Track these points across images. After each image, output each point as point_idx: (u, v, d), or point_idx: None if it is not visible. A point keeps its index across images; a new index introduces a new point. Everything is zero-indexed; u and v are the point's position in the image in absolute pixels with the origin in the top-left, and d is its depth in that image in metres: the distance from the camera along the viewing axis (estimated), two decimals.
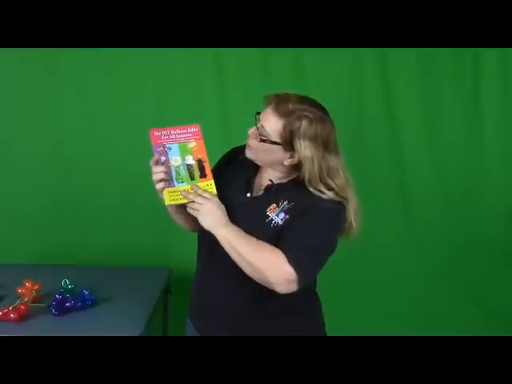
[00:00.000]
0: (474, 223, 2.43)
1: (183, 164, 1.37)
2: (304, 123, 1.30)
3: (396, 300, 2.45)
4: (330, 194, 1.33)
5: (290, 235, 1.32)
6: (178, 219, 1.52)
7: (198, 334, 1.51)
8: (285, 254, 1.29)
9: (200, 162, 1.37)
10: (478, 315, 2.46)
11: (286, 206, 1.36)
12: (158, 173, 1.35)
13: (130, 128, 2.31)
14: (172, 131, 1.37)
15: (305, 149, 1.30)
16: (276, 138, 1.33)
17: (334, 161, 1.33)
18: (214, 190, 1.36)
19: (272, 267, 1.29)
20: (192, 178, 1.37)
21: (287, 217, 1.35)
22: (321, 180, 1.33)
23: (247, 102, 2.25)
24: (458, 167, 2.40)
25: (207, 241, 1.43)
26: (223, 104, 2.35)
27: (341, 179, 1.34)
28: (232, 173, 1.48)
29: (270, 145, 1.33)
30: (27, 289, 1.84)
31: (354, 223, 1.36)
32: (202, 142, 1.38)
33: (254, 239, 1.31)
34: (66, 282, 1.89)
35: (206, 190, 1.35)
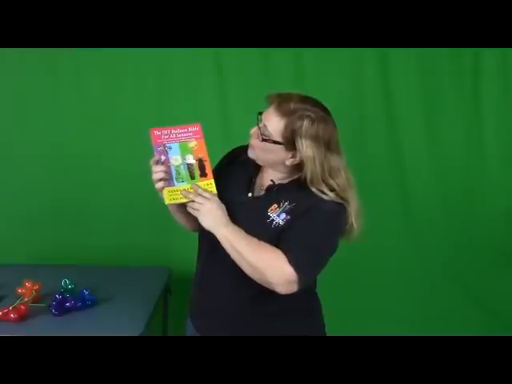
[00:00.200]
0: (474, 223, 2.43)
1: (183, 163, 1.37)
2: (306, 123, 1.30)
3: (396, 300, 2.45)
4: (331, 195, 1.33)
5: (291, 235, 1.32)
6: (179, 218, 1.52)
7: (198, 334, 1.51)
8: (285, 254, 1.29)
9: (200, 162, 1.37)
10: (477, 315, 2.46)
11: (288, 207, 1.36)
12: (157, 172, 1.35)
13: (129, 128, 2.31)
14: (173, 130, 1.37)
15: (306, 148, 1.30)
16: (278, 138, 1.33)
17: (335, 161, 1.33)
18: (215, 190, 1.36)
19: (272, 267, 1.28)
20: (192, 177, 1.37)
21: (288, 217, 1.35)
22: (323, 180, 1.32)
23: (247, 101, 2.27)
24: (458, 167, 2.40)
25: (207, 240, 1.43)
26: (223, 104, 2.35)
27: (342, 179, 1.34)
28: (233, 173, 1.48)
29: (272, 144, 1.33)
30: (27, 289, 1.84)
31: (355, 225, 1.36)
32: (202, 141, 1.37)
33: (254, 239, 1.31)
34: (65, 282, 1.89)
35: (206, 190, 1.35)
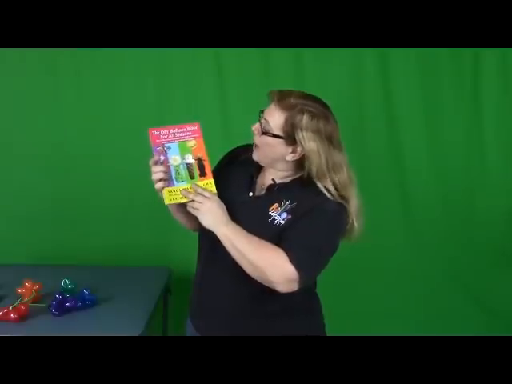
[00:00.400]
0: (474, 223, 2.43)
1: (183, 163, 1.37)
2: (306, 117, 1.30)
3: (396, 300, 2.45)
4: (333, 192, 1.33)
5: (292, 235, 1.32)
6: (179, 218, 1.52)
7: (197, 334, 1.51)
8: (286, 253, 1.28)
9: (200, 161, 1.37)
10: (477, 315, 2.46)
11: (289, 206, 1.36)
12: (157, 172, 1.35)
13: (129, 128, 2.31)
14: (171, 130, 1.37)
15: (309, 141, 1.30)
16: (278, 132, 1.33)
17: (337, 156, 1.34)
18: (214, 189, 1.36)
19: (273, 266, 1.28)
20: (192, 176, 1.37)
21: (289, 217, 1.35)
22: (329, 174, 1.32)
23: (247, 101, 2.27)
24: (458, 167, 2.40)
25: (207, 240, 1.43)
26: (223, 104, 2.35)
27: (344, 176, 1.34)
28: (233, 172, 1.48)
29: (272, 138, 1.34)
30: (27, 289, 1.84)
31: (355, 224, 1.36)
32: (201, 140, 1.37)
33: (255, 238, 1.31)
34: (65, 282, 1.89)
35: (205, 189, 1.35)
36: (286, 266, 1.27)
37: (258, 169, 1.46)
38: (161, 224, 2.31)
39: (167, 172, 1.36)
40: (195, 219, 1.37)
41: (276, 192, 1.39)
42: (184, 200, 1.35)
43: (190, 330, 1.55)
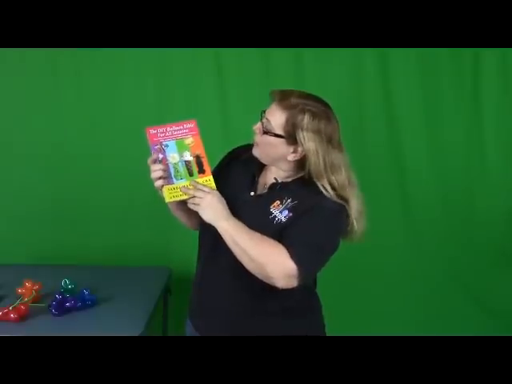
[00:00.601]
0: (474, 223, 2.43)
1: (181, 160, 1.37)
2: (307, 116, 1.31)
3: (396, 300, 2.45)
4: (331, 192, 1.33)
5: (293, 232, 1.32)
6: (180, 216, 1.52)
7: (197, 334, 1.51)
8: (287, 249, 1.29)
9: (198, 158, 1.37)
10: (477, 315, 2.46)
11: (290, 204, 1.36)
12: (156, 171, 1.35)
13: (129, 128, 2.31)
14: (168, 128, 1.37)
15: (308, 141, 1.31)
16: (279, 132, 1.33)
17: (337, 157, 1.34)
18: (214, 185, 1.36)
19: (274, 262, 1.28)
20: (190, 174, 1.37)
21: (291, 214, 1.35)
22: (326, 174, 1.33)
23: (247, 101, 2.27)
24: (458, 167, 2.40)
25: (208, 239, 1.43)
26: (223, 104, 2.35)
27: (342, 177, 1.34)
28: (235, 172, 1.48)
29: (274, 138, 1.34)
30: (27, 289, 1.84)
31: (356, 225, 1.36)
32: (198, 137, 1.38)
33: (256, 234, 1.31)
34: (66, 282, 1.89)
35: (205, 185, 1.35)
36: (286, 262, 1.27)
37: (260, 168, 1.46)
38: (161, 224, 2.31)
39: (166, 170, 1.36)
40: (196, 217, 1.37)
41: (278, 190, 1.39)
42: (184, 197, 1.35)
43: (189, 330, 1.55)
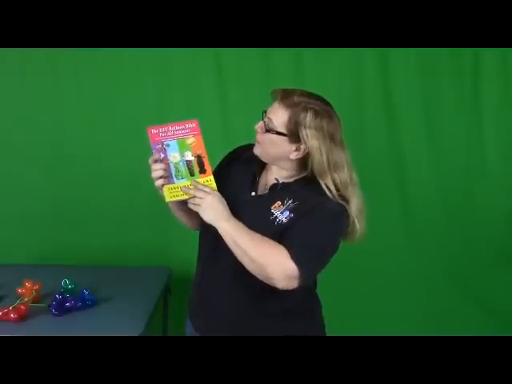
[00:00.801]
0: (474, 223, 2.43)
1: (182, 160, 1.37)
2: (309, 114, 1.31)
3: (396, 300, 2.45)
4: (334, 192, 1.33)
5: (294, 233, 1.32)
6: (180, 216, 1.52)
7: (197, 334, 1.51)
8: (288, 250, 1.29)
9: (199, 158, 1.37)
10: (477, 315, 2.46)
11: (291, 205, 1.36)
12: (156, 170, 1.36)
13: (130, 128, 2.31)
14: (170, 128, 1.37)
15: (311, 138, 1.31)
16: (282, 130, 1.33)
17: (339, 155, 1.34)
18: (214, 186, 1.36)
19: (274, 263, 1.28)
20: (191, 173, 1.37)
21: (292, 215, 1.35)
22: (329, 172, 1.33)
23: (247, 102, 2.27)
24: (458, 167, 2.40)
25: (208, 239, 1.43)
26: (223, 104, 2.35)
27: (344, 175, 1.34)
28: (236, 172, 1.48)
29: (276, 136, 1.34)
30: (27, 289, 1.84)
31: (357, 224, 1.36)
32: (200, 137, 1.37)
33: (257, 235, 1.31)
34: (66, 282, 1.89)
35: (206, 185, 1.35)
36: (287, 263, 1.27)
37: (261, 168, 1.46)
38: (161, 224, 2.31)
39: (167, 170, 1.36)
40: (196, 217, 1.37)
41: (279, 191, 1.39)
42: (185, 197, 1.35)
43: (189, 330, 1.55)
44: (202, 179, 1.36)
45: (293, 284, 1.29)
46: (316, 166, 1.33)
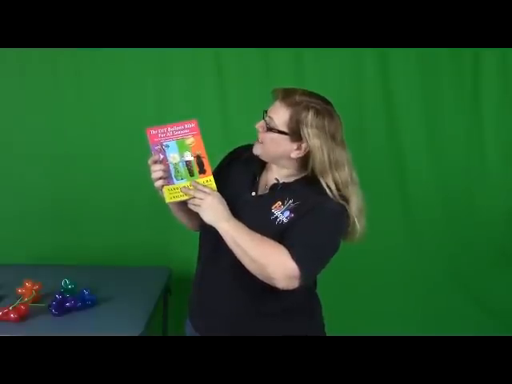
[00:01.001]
0: (474, 223, 2.43)
1: (181, 161, 1.37)
2: (311, 113, 1.31)
3: (396, 300, 2.45)
4: (335, 192, 1.33)
5: (295, 233, 1.32)
6: (180, 217, 1.52)
7: (197, 334, 1.51)
8: (288, 250, 1.29)
9: (199, 158, 1.37)
10: (477, 315, 2.46)
11: (292, 205, 1.36)
12: (156, 171, 1.35)
13: (129, 128, 2.31)
14: (169, 128, 1.37)
15: (313, 137, 1.31)
16: (283, 128, 1.34)
17: (340, 155, 1.34)
18: (214, 186, 1.36)
19: (275, 262, 1.28)
20: (191, 174, 1.37)
21: (292, 215, 1.35)
22: (330, 171, 1.33)
23: (247, 102, 2.27)
24: (458, 167, 2.40)
25: (209, 240, 1.43)
26: (223, 104, 2.35)
27: (345, 174, 1.34)
28: (235, 172, 1.48)
29: (278, 135, 1.34)
30: (27, 289, 1.84)
31: (357, 224, 1.36)
32: (199, 137, 1.37)
33: (257, 235, 1.31)
34: (66, 282, 1.89)
35: (205, 186, 1.35)
36: (287, 263, 1.27)
37: (261, 168, 1.46)
38: (161, 224, 2.31)
39: (166, 170, 1.36)
40: (196, 218, 1.37)
41: (279, 191, 1.39)
42: (185, 197, 1.35)
43: (189, 330, 1.55)
44: (201, 179, 1.36)
45: (293, 284, 1.29)
46: (317, 164, 1.33)
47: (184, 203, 1.37)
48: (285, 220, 1.35)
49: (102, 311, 1.80)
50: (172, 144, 1.37)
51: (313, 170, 1.35)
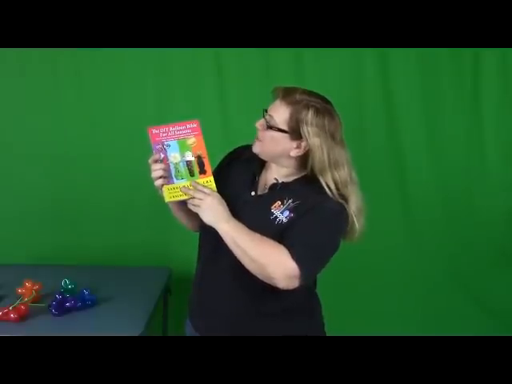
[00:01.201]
0: (474, 223, 2.43)
1: (182, 160, 1.37)
2: (311, 112, 1.31)
3: (396, 300, 2.45)
4: (334, 191, 1.33)
5: (294, 232, 1.32)
6: (180, 217, 1.52)
7: (197, 334, 1.51)
8: (288, 249, 1.29)
9: (199, 158, 1.37)
10: (478, 315, 2.46)
11: (291, 205, 1.36)
12: (156, 170, 1.36)
13: (129, 128, 2.31)
14: (171, 128, 1.37)
15: (313, 136, 1.31)
16: (283, 127, 1.34)
17: (340, 154, 1.34)
18: (214, 186, 1.36)
19: (275, 262, 1.28)
20: (191, 174, 1.37)
21: (292, 215, 1.35)
22: (330, 170, 1.33)
23: (247, 101, 2.27)
24: (458, 167, 2.40)
25: (209, 240, 1.43)
26: (223, 104, 2.35)
27: (345, 174, 1.34)
28: (235, 171, 1.48)
29: (278, 133, 1.34)
30: (27, 289, 1.84)
31: (356, 223, 1.36)
32: (201, 137, 1.37)
33: (257, 235, 1.31)
34: (66, 282, 1.89)
35: (205, 186, 1.35)
36: (287, 263, 1.27)
37: (261, 167, 1.46)
38: (161, 224, 2.31)
39: (167, 170, 1.36)
40: (196, 218, 1.37)
41: (278, 191, 1.39)
42: (184, 197, 1.35)
43: (189, 330, 1.55)
44: (201, 180, 1.36)
45: (293, 283, 1.29)
46: (317, 163, 1.33)
47: (184, 203, 1.37)
48: (284, 220, 1.35)
49: (102, 311, 1.80)
50: (173, 143, 1.37)
51: (312, 169, 1.35)
